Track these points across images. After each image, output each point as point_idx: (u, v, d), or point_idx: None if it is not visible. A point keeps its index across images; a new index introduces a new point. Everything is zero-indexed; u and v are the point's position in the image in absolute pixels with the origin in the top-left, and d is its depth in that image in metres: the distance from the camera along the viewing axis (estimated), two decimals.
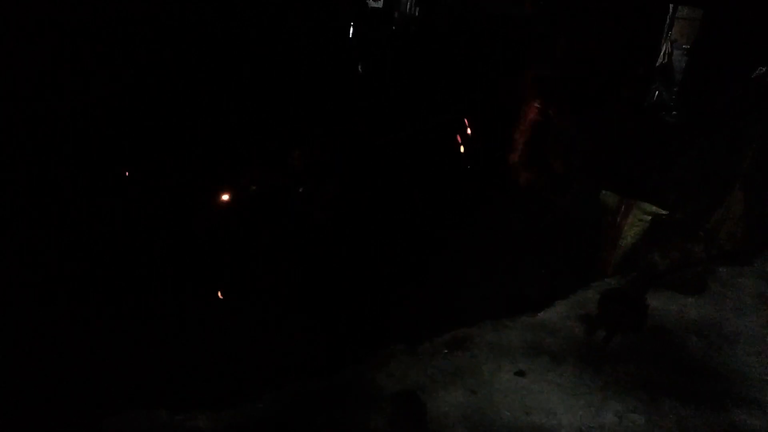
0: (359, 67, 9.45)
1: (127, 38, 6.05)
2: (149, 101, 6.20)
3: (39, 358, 3.80)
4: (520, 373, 3.30)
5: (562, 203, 6.10)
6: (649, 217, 4.30)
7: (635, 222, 4.32)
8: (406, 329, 4.01)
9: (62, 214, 5.30)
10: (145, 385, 3.63)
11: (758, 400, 3.19)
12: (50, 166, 5.52)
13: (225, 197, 6.22)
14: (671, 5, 8.06)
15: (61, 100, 5.70)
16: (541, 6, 7.15)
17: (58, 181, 5.49)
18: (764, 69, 4.13)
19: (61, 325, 4.15)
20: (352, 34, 9.49)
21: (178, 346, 4.06)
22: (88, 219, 5.37)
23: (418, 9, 9.82)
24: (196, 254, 5.31)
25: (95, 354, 3.92)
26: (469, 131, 8.00)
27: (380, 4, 10.19)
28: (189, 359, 3.94)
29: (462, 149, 7.97)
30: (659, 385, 3.26)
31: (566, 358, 3.46)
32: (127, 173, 6.06)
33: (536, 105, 7.39)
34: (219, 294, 4.95)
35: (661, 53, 8.29)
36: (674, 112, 7.08)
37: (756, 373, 3.41)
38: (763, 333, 3.77)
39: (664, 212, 4.27)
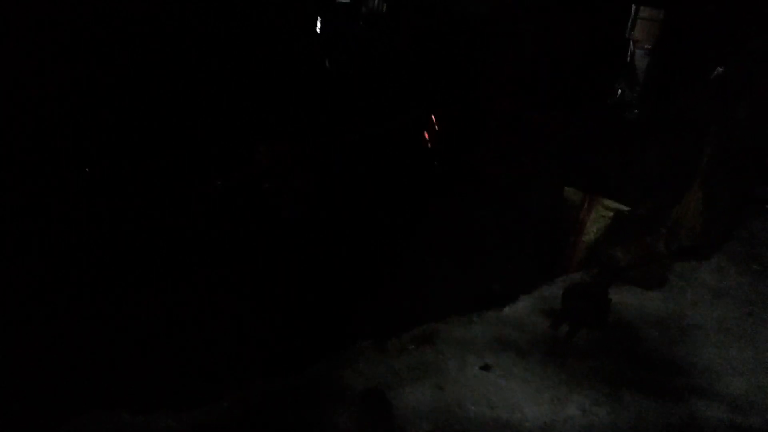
0: (327, 62, 9.40)
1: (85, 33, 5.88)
2: (105, 95, 6.05)
3: None
4: (486, 368, 3.33)
5: (529, 199, 6.18)
6: (612, 213, 4.38)
7: (598, 218, 4.40)
8: (374, 325, 4.01)
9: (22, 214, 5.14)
10: (106, 385, 3.54)
11: (716, 391, 3.29)
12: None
13: (189, 193, 6.11)
14: (633, 6, 8.24)
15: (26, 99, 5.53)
16: (508, 5, 7.22)
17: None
18: (722, 69, 4.24)
19: (18, 325, 4.03)
20: (320, 29, 9.43)
21: (140, 344, 3.97)
22: (48, 216, 5.22)
23: (385, 4, 9.82)
24: (159, 251, 5.21)
25: (54, 354, 3.82)
26: (437, 127, 8.04)
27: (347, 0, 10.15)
28: (151, 358, 3.86)
29: (430, 145, 8.00)
30: (621, 379, 3.33)
31: (531, 352, 3.50)
32: (89, 171, 5.92)
33: (503, 102, 7.47)
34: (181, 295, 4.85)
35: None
36: (636, 111, 7.24)
37: (714, 365, 3.51)
38: (720, 326, 3.88)
39: (625, 208, 4.35)
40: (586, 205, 4.45)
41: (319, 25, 9.39)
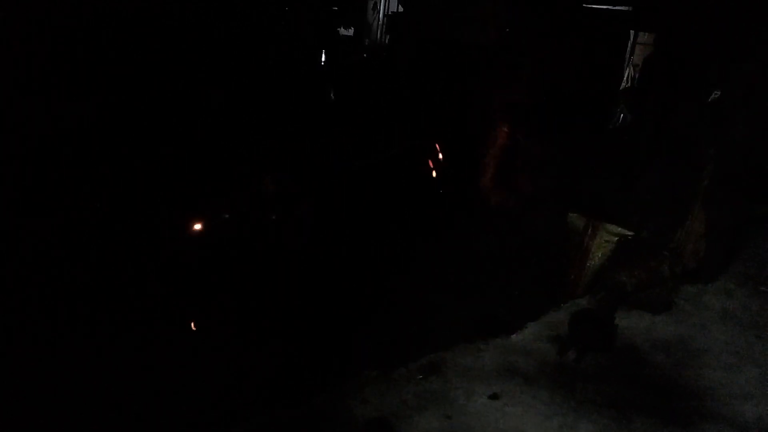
0: (331, 93, 9.56)
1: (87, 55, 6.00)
2: (115, 125, 6.15)
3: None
4: (494, 397, 3.32)
5: (532, 225, 6.21)
6: (616, 238, 4.40)
7: (602, 243, 4.42)
8: (381, 354, 4.02)
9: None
10: (110, 420, 3.56)
11: (725, 415, 3.27)
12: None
13: (196, 225, 6.18)
14: (632, 31, 8.36)
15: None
16: (506, 34, 7.34)
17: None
18: (718, 93, 4.30)
19: (23, 358, 4.07)
20: (324, 60, 9.62)
21: (144, 378, 3.99)
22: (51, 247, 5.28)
23: (387, 37, 10.02)
24: (166, 283, 5.26)
25: (55, 388, 3.84)
26: (440, 156, 8.12)
27: (351, 32, 10.37)
28: (155, 391, 3.88)
29: (434, 173, 8.08)
30: (630, 404, 3.31)
31: (539, 379, 3.50)
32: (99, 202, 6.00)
33: (505, 129, 7.56)
34: (192, 325, 4.90)
35: (624, 77, 8.57)
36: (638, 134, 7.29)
37: (723, 388, 3.49)
38: (728, 349, 3.86)
39: (629, 233, 4.37)
40: (590, 230, 4.47)
41: (323, 57, 9.58)
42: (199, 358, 4.27)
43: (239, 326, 4.78)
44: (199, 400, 3.89)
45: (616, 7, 7.60)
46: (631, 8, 7.62)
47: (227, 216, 6.48)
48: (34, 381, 3.88)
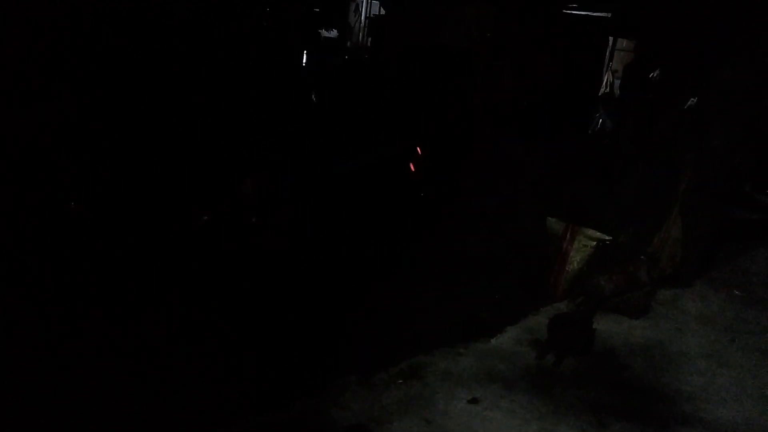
0: (313, 95, 9.53)
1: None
2: (91, 125, 6.06)
3: None
4: (474, 401, 3.33)
5: (513, 228, 6.25)
6: (594, 243, 4.44)
7: (580, 247, 4.45)
8: (362, 359, 4.00)
9: None
10: (87, 427, 3.50)
11: (700, 417, 3.32)
12: None
13: (174, 227, 6.10)
14: (611, 38, 8.49)
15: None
16: (488, 38, 7.39)
17: None
18: (695, 100, 4.37)
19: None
20: (306, 62, 9.59)
21: (121, 382, 3.93)
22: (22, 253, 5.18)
23: (369, 39, 10.03)
24: (141, 286, 5.18)
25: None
26: (422, 158, 8.13)
27: (333, 34, 10.36)
28: (132, 396, 3.82)
29: (415, 176, 8.09)
30: (607, 407, 3.34)
31: (518, 383, 3.52)
32: (73, 205, 5.90)
33: (487, 132, 7.60)
34: (166, 330, 4.83)
35: (604, 83, 8.70)
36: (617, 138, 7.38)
37: (699, 392, 3.55)
38: (704, 353, 3.92)
39: (607, 238, 4.42)
40: (568, 235, 4.51)
41: (305, 58, 9.55)
42: (176, 364, 4.21)
43: (219, 330, 4.73)
44: (178, 405, 3.84)
45: (596, 14, 7.70)
46: (610, 14, 7.73)
47: (206, 218, 6.42)
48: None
